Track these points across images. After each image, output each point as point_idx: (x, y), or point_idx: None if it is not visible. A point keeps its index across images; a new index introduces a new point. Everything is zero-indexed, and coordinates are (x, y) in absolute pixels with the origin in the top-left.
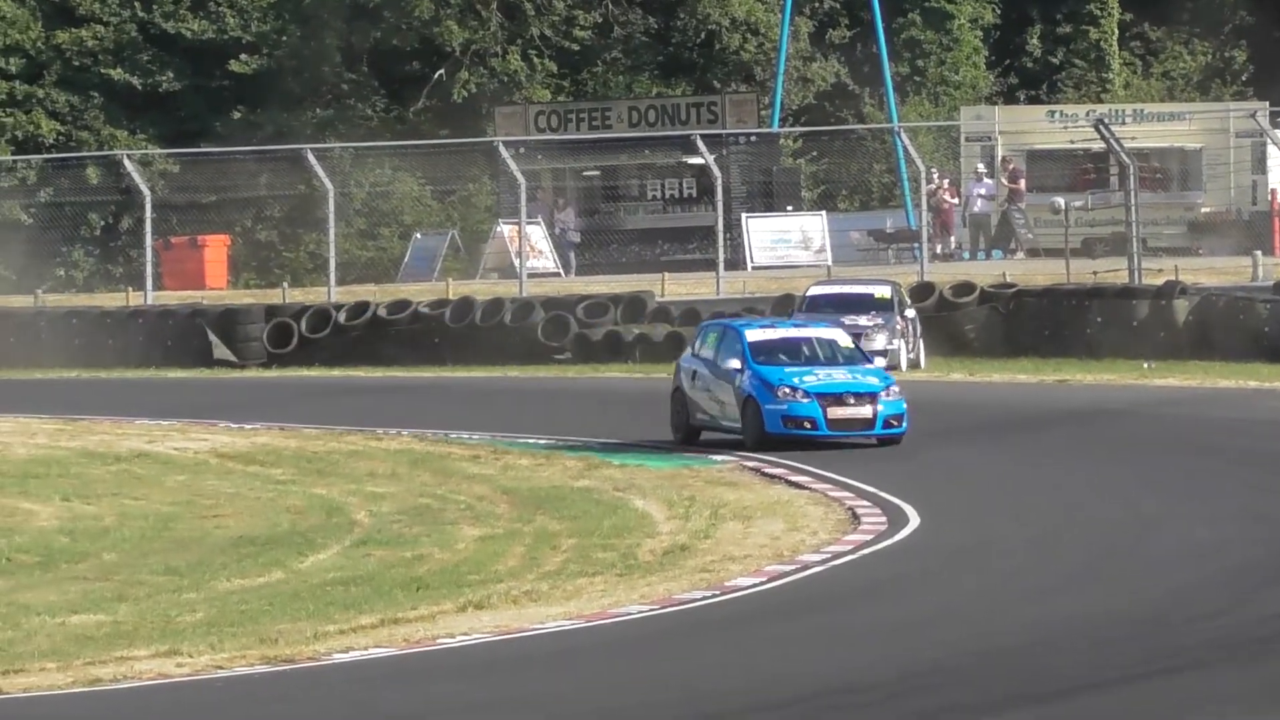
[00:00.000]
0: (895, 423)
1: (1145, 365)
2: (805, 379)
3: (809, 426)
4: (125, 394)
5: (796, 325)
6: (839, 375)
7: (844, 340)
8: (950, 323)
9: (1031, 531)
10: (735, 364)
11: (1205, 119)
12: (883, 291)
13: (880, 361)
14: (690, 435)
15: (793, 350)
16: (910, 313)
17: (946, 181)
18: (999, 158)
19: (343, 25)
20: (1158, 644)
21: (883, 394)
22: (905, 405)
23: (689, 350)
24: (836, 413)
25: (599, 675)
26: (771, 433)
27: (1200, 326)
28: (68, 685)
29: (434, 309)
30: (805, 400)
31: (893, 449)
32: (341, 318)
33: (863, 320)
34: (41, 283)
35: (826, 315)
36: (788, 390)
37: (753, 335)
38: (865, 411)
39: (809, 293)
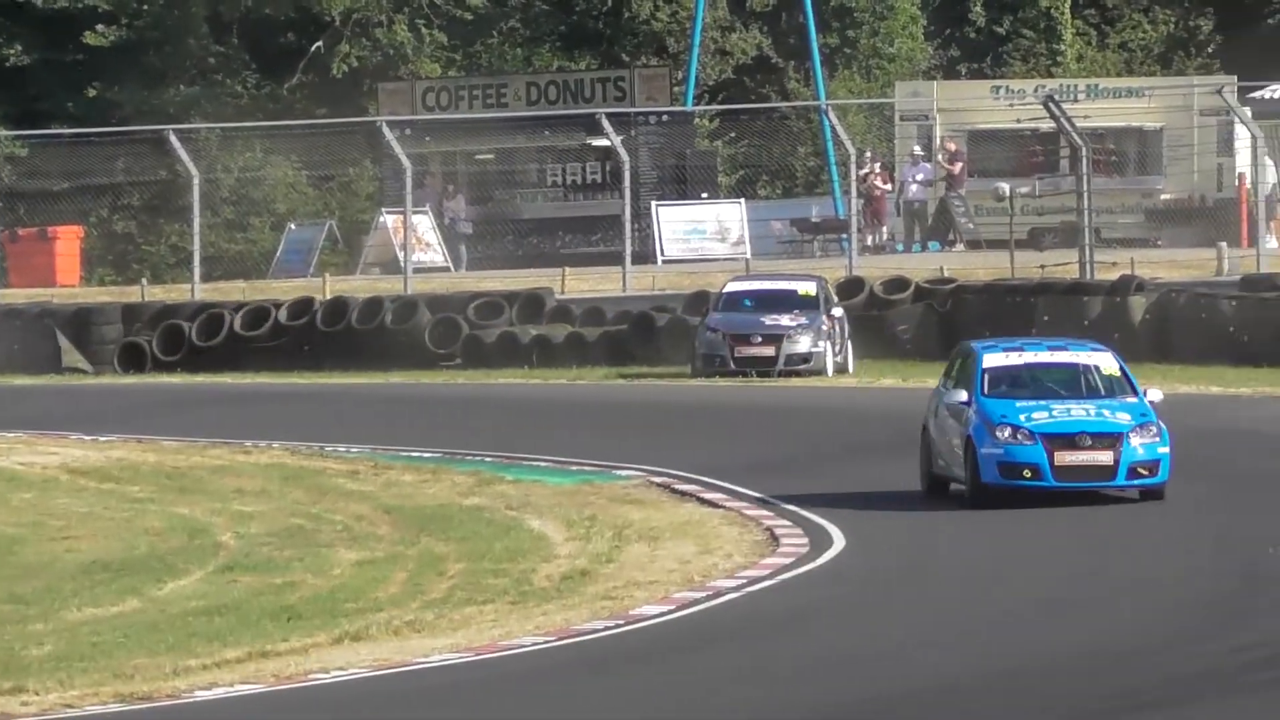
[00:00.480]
0: (1147, 471)
1: None
2: (1034, 416)
3: (1029, 476)
4: None
5: (1052, 348)
6: (1079, 411)
7: (1109, 365)
8: (882, 322)
9: (973, 555)
10: (964, 396)
11: (1166, 95)
12: (807, 288)
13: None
14: (935, 486)
15: (1039, 379)
16: (837, 311)
17: (879, 165)
18: (937, 139)
19: None
20: (1121, 681)
21: (1132, 435)
22: (1168, 448)
23: (941, 377)
24: (1065, 458)
25: (486, 715)
26: (988, 483)
27: (1159, 326)
28: None
29: (293, 317)
30: (1028, 442)
31: (820, 463)
32: (239, 321)
33: (785, 320)
34: None
35: (745, 313)
36: (1009, 431)
37: (991, 360)
38: (1104, 457)
39: (726, 289)
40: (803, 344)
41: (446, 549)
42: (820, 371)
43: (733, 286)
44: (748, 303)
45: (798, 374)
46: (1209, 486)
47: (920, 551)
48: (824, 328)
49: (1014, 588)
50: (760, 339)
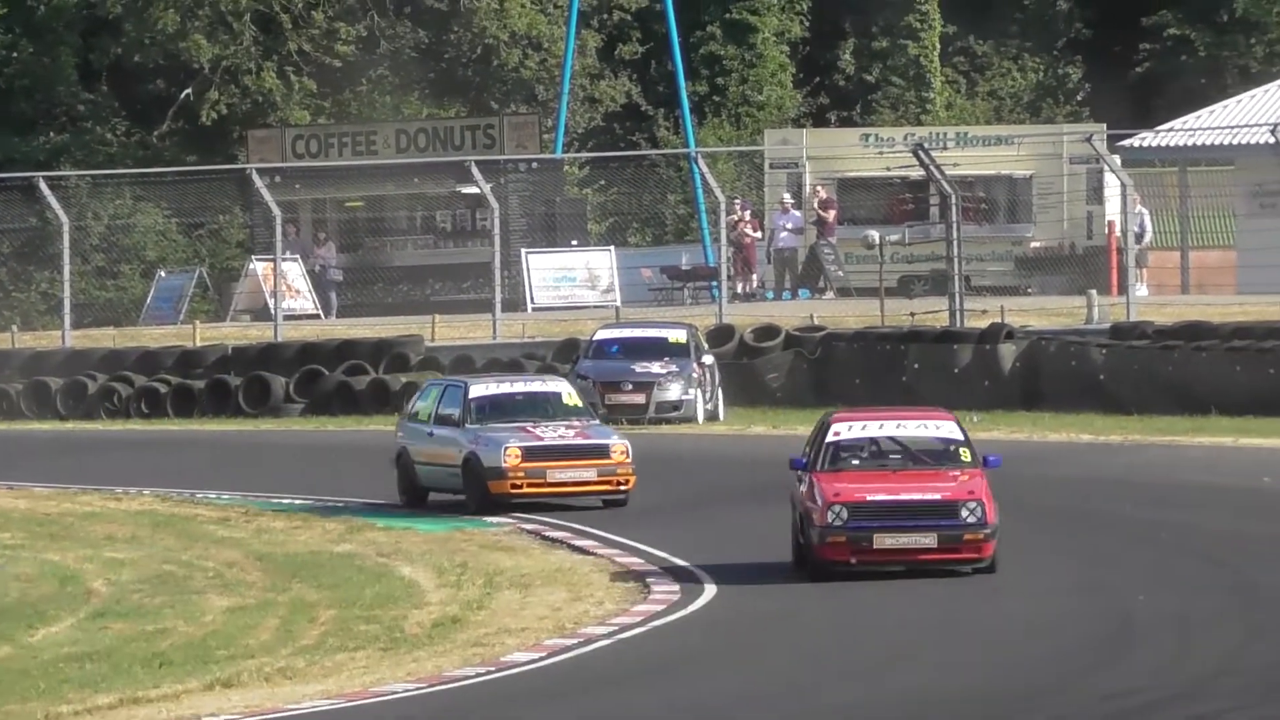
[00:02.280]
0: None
1: (968, 417)
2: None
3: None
4: None
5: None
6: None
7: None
8: (752, 370)
9: (844, 601)
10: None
11: (1036, 143)
12: (677, 335)
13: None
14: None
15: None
16: (708, 359)
17: (748, 213)
18: (807, 186)
19: (79, 40)
20: None
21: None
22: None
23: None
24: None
25: None
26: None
27: (1029, 373)
28: None
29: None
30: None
31: (691, 511)
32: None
33: (655, 367)
34: None
35: (616, 360)
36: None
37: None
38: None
39: (596, 337)
40: (673, 391)
41: (318, 596)
42: (691, 419)
43: (603, 334)
44: (616, 350)
45: (668, 421)
46: (1078, 534)
47: (791, 598)
48: (694, 375)
49: (886, 635)
50: (631, 386)
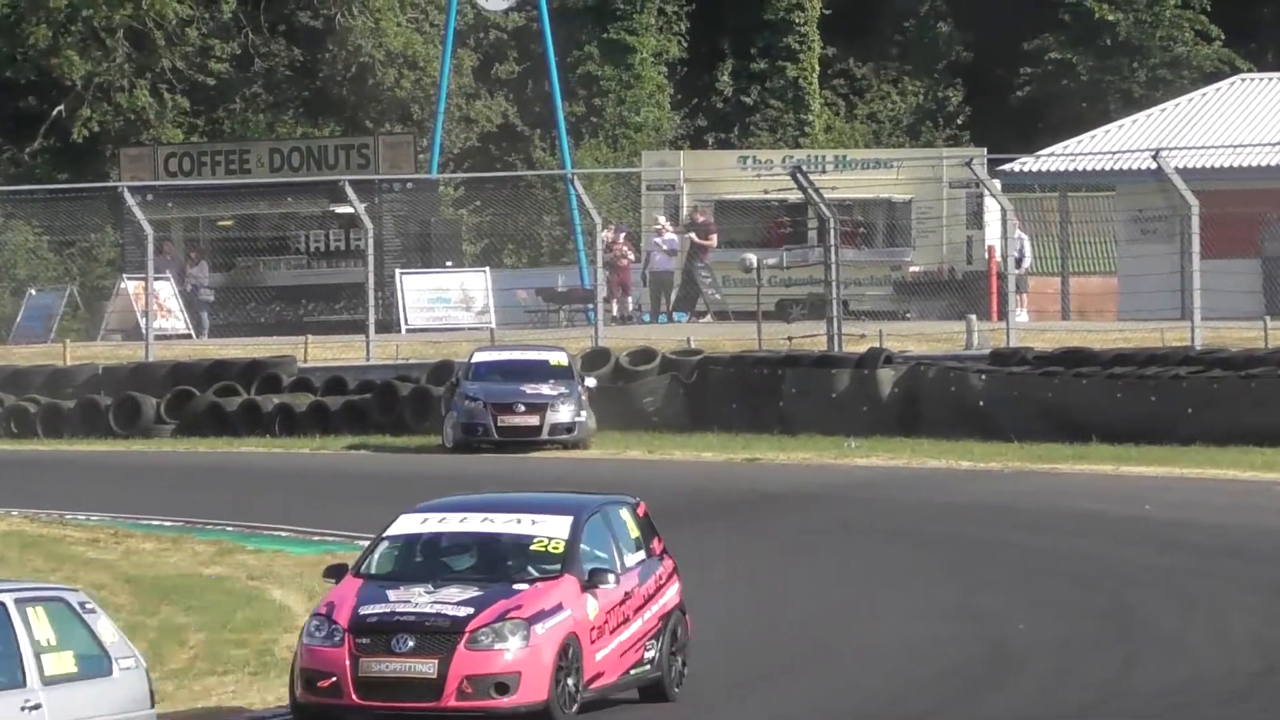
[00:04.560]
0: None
1: (847, 443)
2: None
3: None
4: None
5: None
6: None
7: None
8: (628, 394)
9: (720, 627)
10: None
11: (915, 167)
12: (559, 358)
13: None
14: None
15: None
16: (591, 381)
17: (624, 235)
18: (685, 208)
19: None
20: None
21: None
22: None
23: None
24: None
25: None
26: None
27: (908, 399)
28: None
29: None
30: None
31: None
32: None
33: (545, 389)
34: None
35: (503, 383)
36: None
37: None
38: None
39: (474, 359)
40: (565, 413)
41: (187, 619)
42: (581, 442)
43: (482, 356)
44: (495, 373)
45: (562, 444)
46: (957, 559)
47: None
48: (583, 397)
49: (762, 655)
50: (524, 408)
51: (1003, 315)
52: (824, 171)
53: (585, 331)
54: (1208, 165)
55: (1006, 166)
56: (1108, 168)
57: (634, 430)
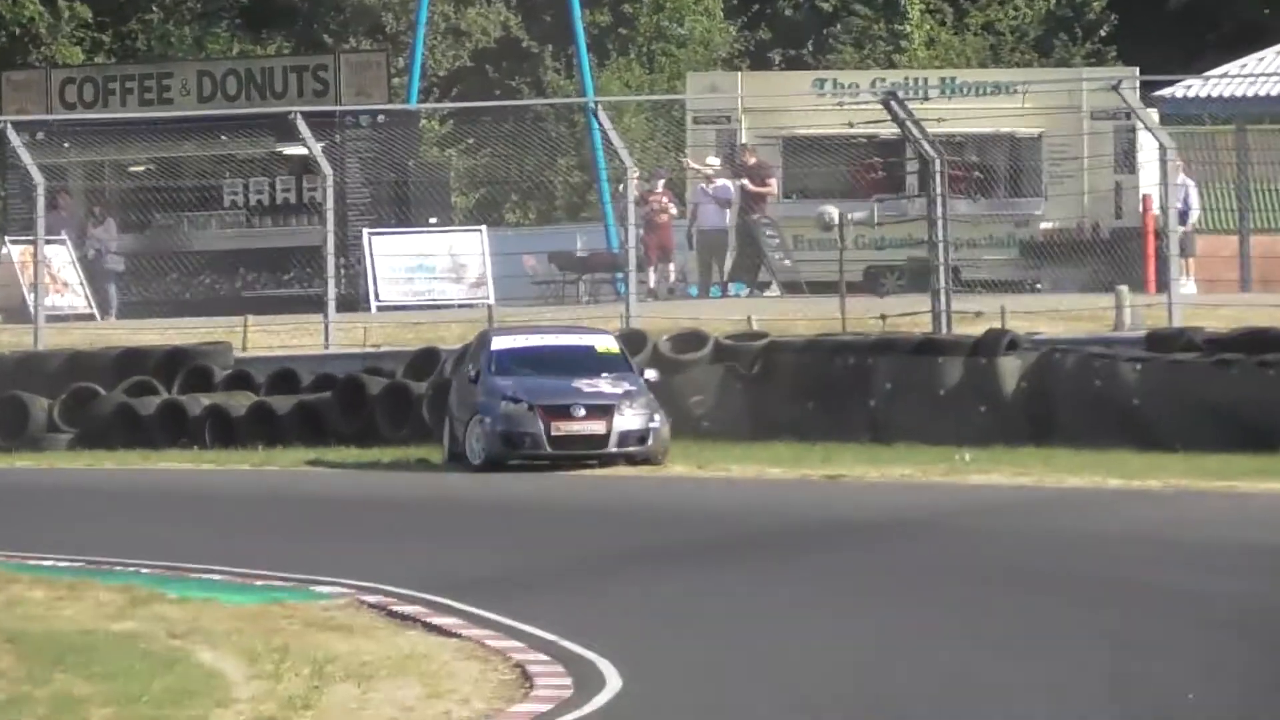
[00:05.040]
0: None
1: (958, 455)
2: None
3: None
4: None
5: None
6: None
7: None
8: (669, 390)
9: (790, 701)
10: None
11: (1046, 93)
12: (606, 343)
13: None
14: None
15: None
16: (651, 374)
17: (663, 183)
18: (746, 147)
19: None
20: None
21: None
22: None
23: None
24: None
25: None
26: None
27: (1038, 397)
28: None
29: None
30: None
31: (588, 579)
32: None
33: (604, 386)
34: None
35: (541, 379)
36: None
37: None
38: None
39: (495, 346)
40: (636, 418)
41: (89, 689)
42: (655, 456)
43: (505, 342)
44: (527, 366)
45: (630, 459)
46: (1101, 611)
47: (724, 697)
48: (651, 396)
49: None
50: (584, 411)
51: (1163, 286)
52: (926, 99)
53: (613, 309)
54: None
55: (1166, 92)
56: None
57: (678, 438)
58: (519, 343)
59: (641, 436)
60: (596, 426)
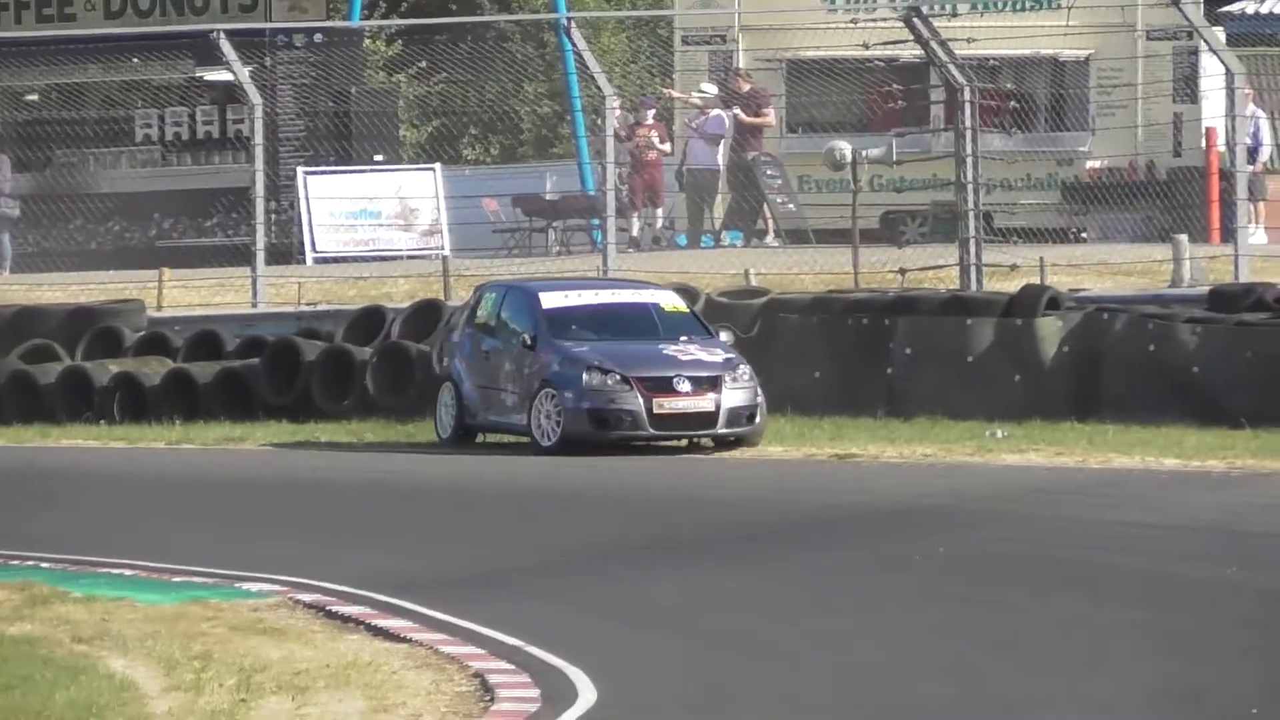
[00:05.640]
0: None
1: (990, 431)
2: None
3: None
4: None
5: None
6: None
7: None
8: None
9: (780, 692)
10: None
11: (1094, 8)
12: (672, 300)
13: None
14: None
15: None
16: (726, 335)
17: (650, 114)
18: (739, 71)
19: None
20: None
21: None
22: None
23: None
24: None
25: None
26: None
27: (1083, 363)
28: None
29: None
30: None
31: (561, 576)
32: None
33: (699, 353)
34: None
35: (617, 343)
36: None
37: None
38: None
39: (546, 305)
40: (741, 393)
41: None
42: (753, 436)
43: (555, 299)
44: (587, 329)
45: (735, 440)
46: (1153, 613)
47: (716, 713)
48: (749, 366)
49: None
50: (689, 386)
51: (1229, 235)
52: (955, 15)
53: (587, 261)
54: None
55: (1234, 7)
56: None
57: None
58: (571, 300)
59: (750, 414)
60: (704, 403)
